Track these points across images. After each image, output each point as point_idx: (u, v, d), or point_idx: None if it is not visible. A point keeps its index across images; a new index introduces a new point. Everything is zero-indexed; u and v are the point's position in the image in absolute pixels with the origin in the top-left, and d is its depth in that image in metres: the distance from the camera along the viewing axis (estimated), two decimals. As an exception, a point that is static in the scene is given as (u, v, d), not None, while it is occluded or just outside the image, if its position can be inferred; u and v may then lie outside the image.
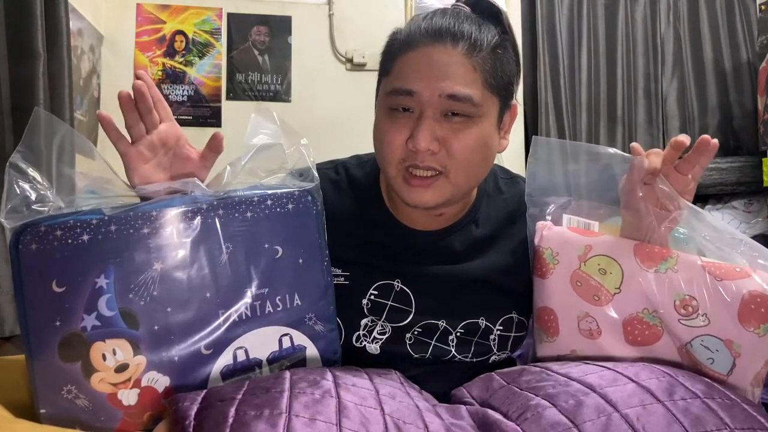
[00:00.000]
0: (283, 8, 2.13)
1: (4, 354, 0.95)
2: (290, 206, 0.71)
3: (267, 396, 0.56)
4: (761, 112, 2.27)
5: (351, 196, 0.87)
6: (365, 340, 0.81)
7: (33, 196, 0.62)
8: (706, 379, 0.63)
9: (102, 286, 0.61)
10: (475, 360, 0.84)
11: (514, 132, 2.65)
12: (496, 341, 0.83)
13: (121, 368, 0.61)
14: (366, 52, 2.10)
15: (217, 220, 0.67)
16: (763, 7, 2.32)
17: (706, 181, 2.36)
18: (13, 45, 1.06)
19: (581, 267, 0.74)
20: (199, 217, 0.66)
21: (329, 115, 2.03)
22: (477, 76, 0.73)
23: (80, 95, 1.76)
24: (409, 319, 0.82)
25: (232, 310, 0.66)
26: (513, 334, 0.85)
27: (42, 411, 0.60)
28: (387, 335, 0.81)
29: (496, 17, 0.77)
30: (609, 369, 0.65)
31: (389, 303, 0.82)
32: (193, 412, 0.56)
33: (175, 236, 0.65)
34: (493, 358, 0.85)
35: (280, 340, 0.69)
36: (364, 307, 0.81)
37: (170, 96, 2.05)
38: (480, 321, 0.83)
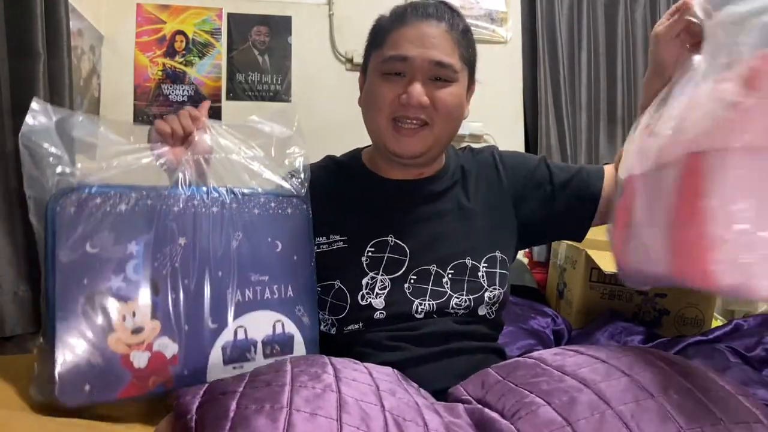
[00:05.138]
0: (283, 8, 2.13)
1: (4, 354, 0.95)
2: (289, 210, 0.83)
3: (268, 390, 0.57)
4: (761, 112, 2.27)
5: (340, 173, 1.01)
6: (369, 297, 0.89)
7: (54, 166, 0.66)
8: (702, 370, 0.63)
9: (132, 252, 0.67)
10: (471, 298, 0.90)
11: (514, 132, 2.64)
12: (485, 277, 0.92)
13: (138, 330, 0.66)
14: (366, 52, 2.10)
15: (231, 210, 0.76)
16: (763, 7, 2.32)
17: (706, 181, 2.36)
18: (13, 45, 1.06)
19: None
20: (217, 206, 0.75)
21: (329, 115, 2.02)
22: (455, 49, 0.89)
23: (80, 95, 1.76)
24: (404, 269, 0.89)
25: (238, 290, 0.74)
26: (498, 271, 0.93)
27: (56, 364, 0.61)
28: (387, 288, 0.89)
29: (460, 15, 0.93)
30: (602, 361, 0.65)
31: (386, 256, 0.90)
32: (194, 407, 0.56)
33: (198, 218, 0.73)
34: (487, 294, 0.91)
35: (273, 326, 0.77)
36: (364, 263, 0.89)
37: (170, 96, 2.05)
38: (467, 261, 0.91)
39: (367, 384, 0.62)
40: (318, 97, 2.11)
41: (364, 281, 0.89)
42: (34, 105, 0.68)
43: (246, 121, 0.84)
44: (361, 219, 0.93)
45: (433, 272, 0.90)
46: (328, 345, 0.89)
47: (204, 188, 0.76)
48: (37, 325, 0.97)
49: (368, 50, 0.97)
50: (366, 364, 0.69)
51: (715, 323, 1.51)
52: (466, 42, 0.91)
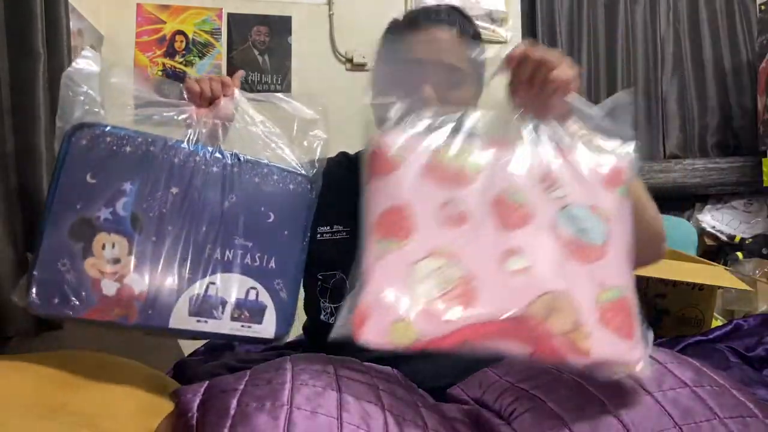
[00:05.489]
0: (283, 8, 2.13)
1: (4, 354, 0.95)
2: (291, 186, 0.84)
3: (269, 387, 0.57)
4: (761, 112, 2.28)
5: (351, 169, 0.99)
6: None
7: (83, 104, 0.75)
8: (696, 365, 0.63)
9: (125, 190, 0.73)
10: None
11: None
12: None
13: (114, 261, 0.71)
14: (366, 52, 2.10)
15: (231, 173, 0.79)
16: (763, 7, 2.32)
17: (706, 181, 2.36)
18: (13, 45, 1.06)
19: (436, 156, 0.63)
20: (218, 167, 0.79)
21: (329, 115, 2.03)
22: (466, 55, 0.91)
23: (80, 95, 1.76)
24: None
25: (218, 249, 0.77)
26: None
27: (35, 273, 0.68)
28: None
29: (469, 20, 0.97)
30: None
31: None
32: (195, 405, 0.56)
33: (196, 173, 0.77)
34: None
35: (247, 291, 0.78)
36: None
37: (170, 96, 2.05)
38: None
39: (367, 383, 0.62)
40: (318, 96, 2.11)
41: None
42: (86, 53, 0.78)
43: (272, 97, 0.88)
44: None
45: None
46: (325, 338, 0.90)
47: (210, 148, 0.80)
48: (37, 325, 0.97)
49: None
50: (366, 363, 0.69)
51: (715, 323, 1.51)
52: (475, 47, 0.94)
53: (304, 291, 1.06)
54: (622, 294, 0.58)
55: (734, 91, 2.50)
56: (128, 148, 0.74)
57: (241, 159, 0.81)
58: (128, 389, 0.71)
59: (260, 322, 0.78)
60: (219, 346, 1.25)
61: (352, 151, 1.09)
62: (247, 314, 0.77)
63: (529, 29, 2.37)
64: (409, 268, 0.57)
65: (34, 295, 0.68)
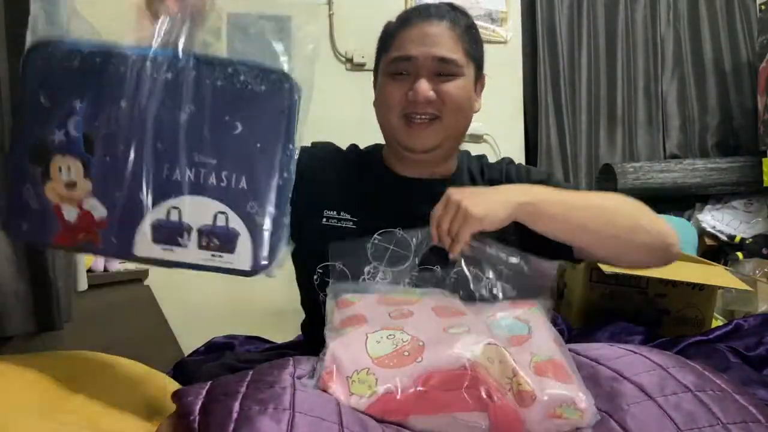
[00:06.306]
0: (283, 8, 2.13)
1: (4, 354, 0.95)
2: (263, 87, 0.69)
3: (271, 391, 0.57)
4: (761, 112, 2.27)
5: (359, 162, 1.04)
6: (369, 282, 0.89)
7: (46, 20, 0.69)
8: (698, 369, 0.63)
9: (75, 108, 0.67)
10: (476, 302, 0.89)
11: (514, 132, 2.65)
12: (489, 286, 0.91)
13: (70, 185, 0.67)
14: (366, 52, 2.10)
15: (187, 80, 0.68)
16: (763, 7, 2.32)
17: (706, 181, 2.36)
18: (13, 45, 1.05)
19: (384, 296, 0.81)
20: (172, 72, 0.68)
21: (329, 115, 2.02)
22: (459, 45, 0.93)
23: (80, 95, 1.76)
24: (407, 264, 0.90)
25: (177, 168, 0.68)
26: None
27: (2, 207, 0.68)
28: (388, 280, 0.90)
29: (464, 13, 0.98)
30: (600, 364, 0.65)
31: (391, 248, 0.91)
32: (197, 407, 0.56)
33: (145, 83, 0.67)
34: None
35: (215, 216, 0.68)
36: (368, 251, 0.90)
37: None
38: (471, 268, 0.90)
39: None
40: (318, 96, 2.10)
41: (366, 269, 0.90)
42: None
43: None
44: (372, 208, 0.96)
45: (438, 275, 0.90)
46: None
47: (161, 51, 0.68)
48: (37, 325, 0.97)
49: (378, 55, 1.01)
50: None
51: (715, 323, 1.51)
52: (469, 37, 0.96)
53: (301, 288, 1.06)
54: (551, 357, 0.65)
55: (734, 91, 2.50)
56: (76, 63, 0.67)
57: (202, 60, 0.68)
58: (128, 389, 0.72)
59: (232, 251, 0.69)
60: (219, 345, 1.25)
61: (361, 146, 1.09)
62: (217, 242, 0.68)
63: (529, 29, 2.38)
64: (365, 336, 0.68)
65: (3, 223, 0.69)
